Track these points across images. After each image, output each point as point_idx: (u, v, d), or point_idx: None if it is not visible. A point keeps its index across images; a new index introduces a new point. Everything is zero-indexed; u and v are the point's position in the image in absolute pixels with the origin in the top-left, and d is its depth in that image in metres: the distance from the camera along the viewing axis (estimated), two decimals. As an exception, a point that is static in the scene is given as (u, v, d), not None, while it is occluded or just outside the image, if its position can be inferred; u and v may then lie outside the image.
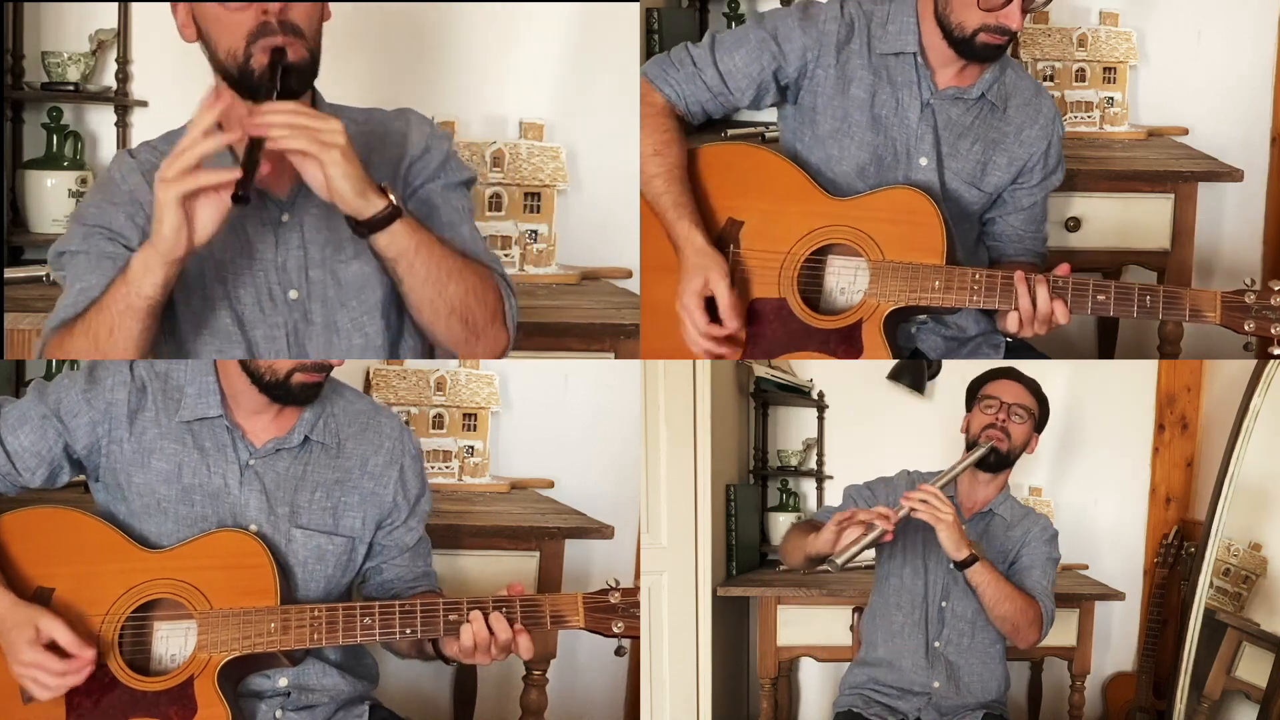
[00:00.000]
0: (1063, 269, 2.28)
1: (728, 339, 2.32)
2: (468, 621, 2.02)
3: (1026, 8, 2.29)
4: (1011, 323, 2.29)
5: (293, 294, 2.09)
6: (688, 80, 2.44)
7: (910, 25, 2.41)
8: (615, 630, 2.07)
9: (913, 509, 2.39)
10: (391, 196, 1.95)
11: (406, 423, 3.14)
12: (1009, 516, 2.70)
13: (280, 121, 1.87)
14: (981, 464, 2.61)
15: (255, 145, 1.88)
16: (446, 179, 2.18)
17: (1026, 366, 2.64)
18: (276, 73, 1.94)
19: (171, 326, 2.07)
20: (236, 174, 1.85)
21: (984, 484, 2.70)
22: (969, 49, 2.34)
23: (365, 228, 1.95)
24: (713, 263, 2.32)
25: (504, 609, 2.03)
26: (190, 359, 2.09)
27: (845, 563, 2.31)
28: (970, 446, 2.65)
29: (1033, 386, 2.65)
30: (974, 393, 2.70)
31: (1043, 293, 2.25)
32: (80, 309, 1.97)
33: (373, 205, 1.93)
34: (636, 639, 2.16)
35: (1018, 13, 2.27)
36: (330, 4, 2.07)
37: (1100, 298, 2.25)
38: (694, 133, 2.49)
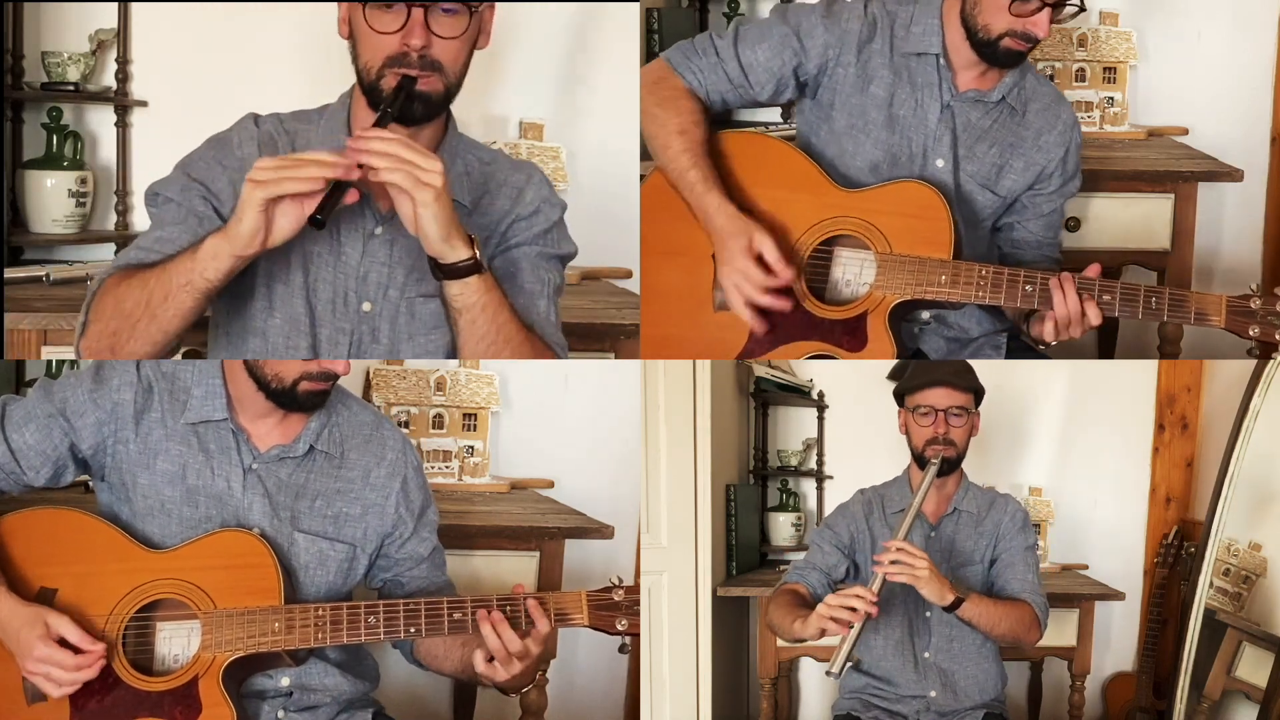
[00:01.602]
0: (1093, 270, 2.29)
1: (779, 294, 2.32)
2: (487, 622, 2.02)
3: (1055, 18, 2.29)
4: (1049, 331, 2.29)
5: (366, 306, 2.10)
6: (710, 69, 2.44)
7: (934, 26, 2.41)
8: (620, 627, 2.07)
9: (887, 574, 2.35)
10: (478, 250, 1.95)
11: (406, 424, 3.15)
12: (975, 510, 2.68)
13: (380, 149, 1.87)
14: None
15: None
16: (543, 247, 2.19)
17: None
18: (398, 99, 1.96)
19: (245, 299, 2.07)
20: (319, 183, 1.85)
21: (940, 486, 2.66)
22: (992, 52, 2.34)
23: (442, 272, 1.95)
24: (751, 224, 2.33)
25: (508, 607, 2.03)
26: (256, 335, 2.08)
27: (843, 669, 2.29)
28: (917, 459, 2.62)
29: (961, 383, 2.59)
30: (901, 396, 2.67)
31: (1071, 294, 2.25)
32: (148, 260, 1.98)
33: (456, 252, 1.93)
34: (637, 637, 2.16)
35: (1046, 21, 2.28)
36: (487, 31, 2.09)
37: (1106, 298, 2.26)
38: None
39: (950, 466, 2.60)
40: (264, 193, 1.85)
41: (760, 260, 2.32)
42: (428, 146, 2.08)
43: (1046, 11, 2.27)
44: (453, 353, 2.10)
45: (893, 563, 2.35)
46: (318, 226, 1.87)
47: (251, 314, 2.08)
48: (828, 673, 2.29)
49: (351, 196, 1.90)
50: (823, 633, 2.33)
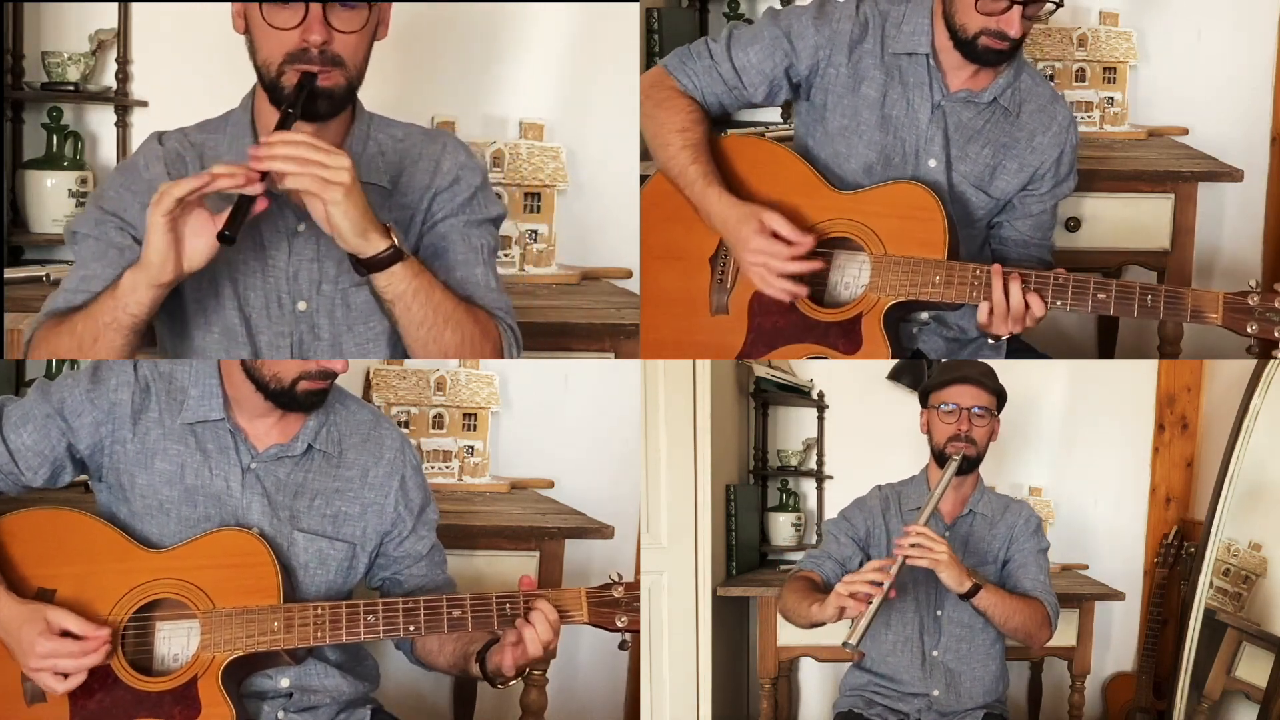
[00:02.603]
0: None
1: (805, 262, 2.33)
2: (525, 619, 2.02)
3: (1028, 15, 2.29)
4: (981, 314, 2.29)
5: (301, 305, 2.09)
6: (705, 72, 2.46)
7: (924, 26, 2.41)
8: (619, 624, 2.07)
9: (907, 557, 2.36)
10: (395, 238, 1.94)
11: (406, 424, 3.15)
12: (989, 513, 2.70)
13: (285, 154, 1.86)
14: None
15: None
16: (470, 215, 2.16)
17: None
18: (300, 97, 1.95)
19: (180, 319, 2.07)
20: (207, 179, 1.84)
21: (958, 486, 2.68)
22: (972, 52, 2.35)
23: (364, 267, 1.95)
24: (756, 206, 2.35)
25: (508, 605, 2.03)
26: (195, 354, 2.08)
27: (860, 640, 2.29)
28: (937, 456, 2.64)
29: (987, 383, 2.61)
30: (927, 395, 2.67)
31: (1015, 288, 2.25)
32: (76, 302, 1.98)
33: (373, 245, 1.93)
34: (637, 634, 2.16)
35: (1016, 19, 2.27)
36: (386, 22, 2.08)
37: (1101, 296, 2.25)
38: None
39: (969, 466, 2.61)
40: (160, 209, 1.84)
41: (776, 236, 2.32)
42: (336, 135, 2.08)
43: (1016, 10, 2.27)
44: (395, 339, 2.09)
45: (913, 546, 2.36)
46: (228, 243, 1.86)
47: (189, 334, 2.07)
48: (845, 643, 2.30)
49: (260, 204, 1.89)
50: (841, 613, 2.34)
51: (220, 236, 1.85)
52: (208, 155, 2.09)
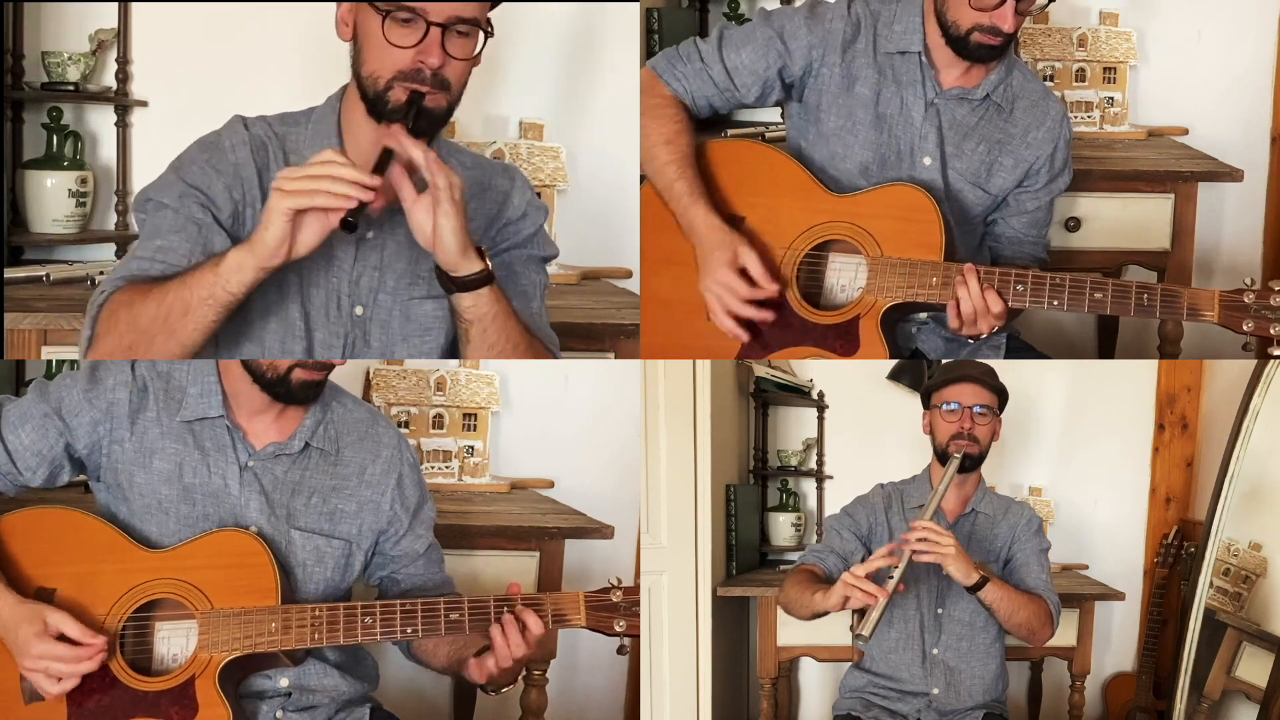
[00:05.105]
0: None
1: (762, 306, 2.34)
2: (496, 623, 2.03)
3: (1020, 9, 2.29)
4: (952, 318, 2.30)
5: (358, 310, 2.11)
6: (695, 75, 2.45)
7: (916, 25, 2.42)
8: (617, 629, 2.07)
9: (915, 552, 2.37)
10: (488, 262, 1.98)
11: (406, 424, 3.15)
12: (991, 512, 2.71)
13: (421, 154, 1.92)
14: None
15: (378, 171, 1.92)
16: (532, 250, 2.23)
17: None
18: (412, 111, 1.97)
19: (241, 305, 2.06)
20: (352, 201, 1.87)
21: (960, 485, 2.69)
22: (965, 48, 2.35)
23: (455, 284, 1.98)
24: (736, 237, 2.35)
25: (505, 608, 2.03)
26: (251, 341, 2.08)
27: (873, 632, 2.29)
28: (940, 455, 2.65)
29: (988, 381, 2.62)
30: (929, 395, 2.68)
31: (973, 284, 2.25)
32: (151, 271, 1.97)
33: (470, 265, 1.97)
34: (637, 638, 2.16)
35: (1009, 14, 2.28)
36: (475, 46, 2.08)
37: (1098, 295, 2.25)
38: (697, 130, 2.50)
39: (972, 464, 2.61)
40: (292, 203, 1.86)
41: (744, 273, 2.33)
42: None
43: (1009, 4, 2.27)
44: (445, 355, 2.12)
45: (920, 541, 2.36)
46: (351, 230, 1.89)
47: (246, 320, 2.07)
48: (858, 636, 2.30)
49: (378, 201, 1.93)
50: (845, 602, 2.34)
51: (344, 224, 1.88)
52: (289, 147, 2.10)
